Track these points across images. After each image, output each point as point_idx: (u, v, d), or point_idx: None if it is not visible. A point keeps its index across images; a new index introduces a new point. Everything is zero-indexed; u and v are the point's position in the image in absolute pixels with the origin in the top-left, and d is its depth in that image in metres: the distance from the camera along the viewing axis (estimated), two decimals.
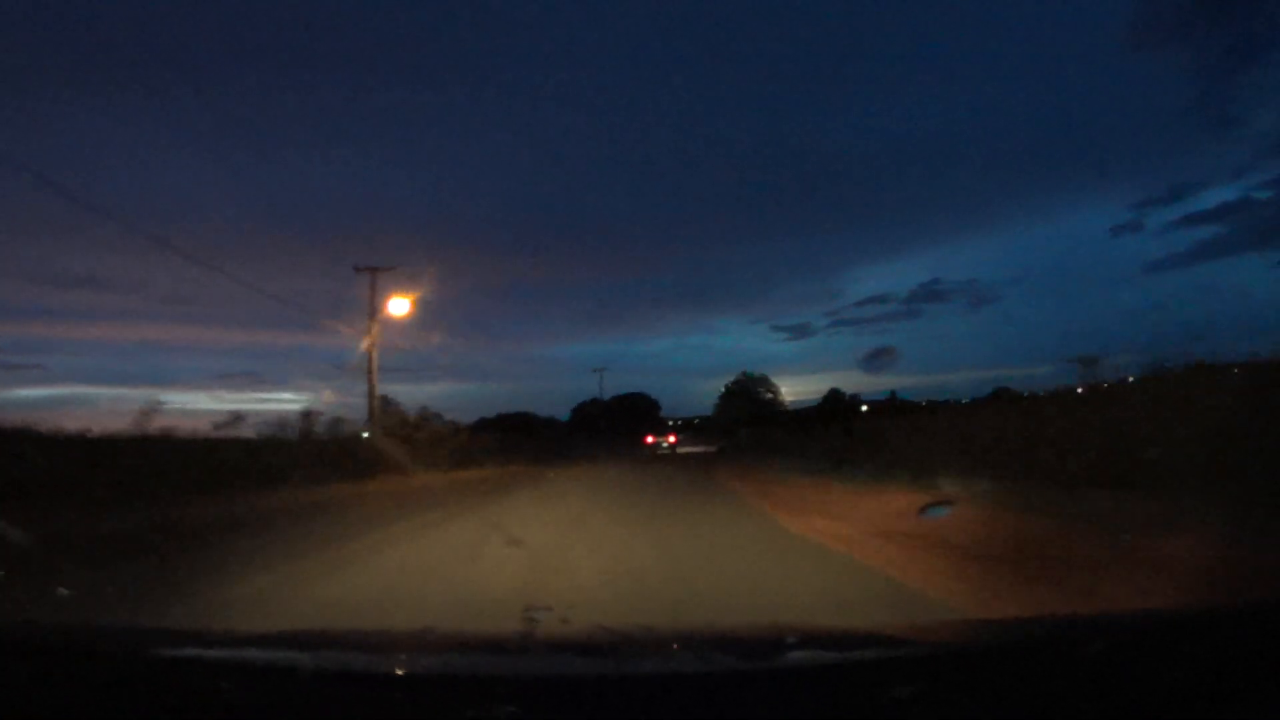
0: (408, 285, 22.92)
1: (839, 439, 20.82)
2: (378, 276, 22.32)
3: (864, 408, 47.77)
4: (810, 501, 11.12)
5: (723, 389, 67.54)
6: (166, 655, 1.51)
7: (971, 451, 10.73)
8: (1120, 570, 4.79)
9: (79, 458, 10.59)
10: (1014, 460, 9.46)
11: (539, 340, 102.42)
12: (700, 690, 1.28)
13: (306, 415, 20.55)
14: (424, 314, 24.87)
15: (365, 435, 22.11)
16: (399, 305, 22.76)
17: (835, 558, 6.40)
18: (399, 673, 1.54)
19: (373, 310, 22.19)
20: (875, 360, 79.74)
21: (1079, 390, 11.68)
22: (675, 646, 1.91)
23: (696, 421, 74.09)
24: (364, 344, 22.10)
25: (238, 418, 17.82)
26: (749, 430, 49.67)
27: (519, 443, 36.04)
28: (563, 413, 67.62)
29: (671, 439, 55.95)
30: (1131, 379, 10.60)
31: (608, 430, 57.27)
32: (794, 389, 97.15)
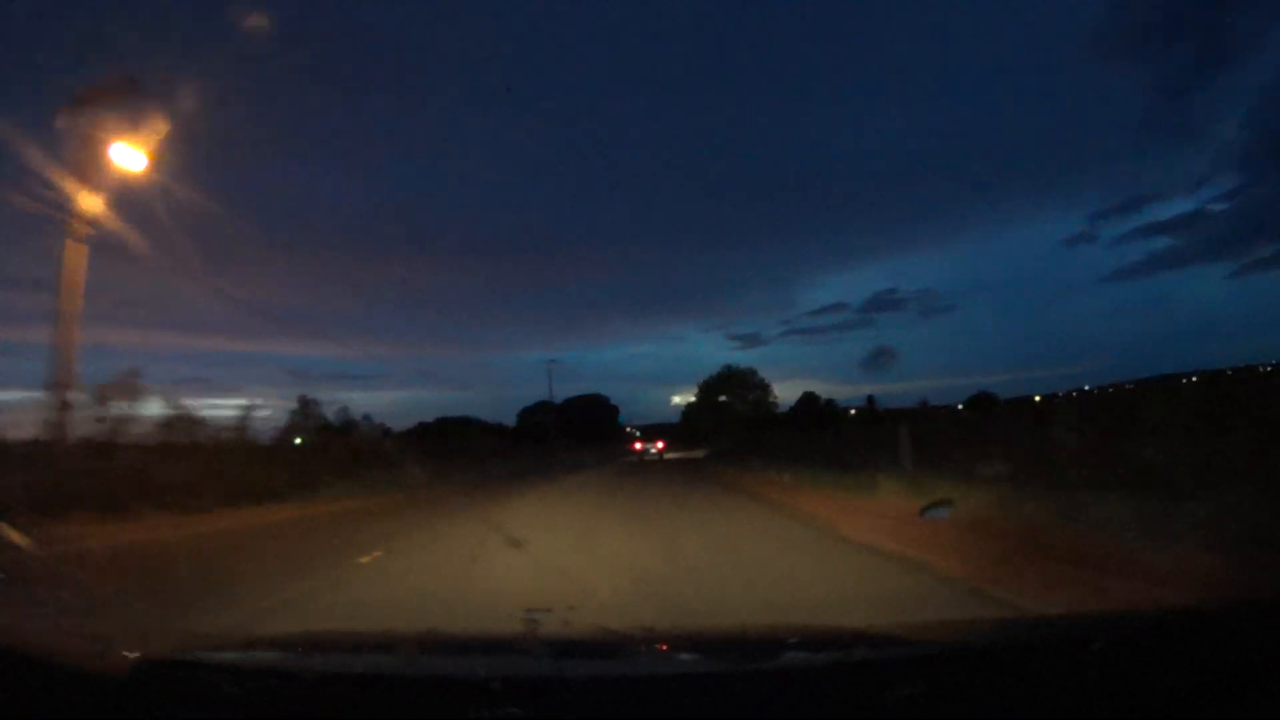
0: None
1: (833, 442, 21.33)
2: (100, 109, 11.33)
3: (852, 412, 51.92)
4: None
5: (699, 386, 61.41)
6: (170, 658, 1.52)
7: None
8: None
9: None
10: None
11: (489, 346, 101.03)
12: (702, 691, 1.30)
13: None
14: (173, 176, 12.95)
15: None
16: (126, 154, 11.84)
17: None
18: (401, 675, 1.56)
19: (79, 169, 11.59)
20: (875, 361, 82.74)
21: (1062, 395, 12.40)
22: (676, 647, 1.95)
23: (661, 428, 73.18)
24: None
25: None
26: (730, 436, 48.69)
27: (455, 454, 30.53)
28: (513, 418, 64.00)
29: (659, 445, 56.64)
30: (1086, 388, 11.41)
31: (562, 437, 55.12)
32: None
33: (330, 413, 27.93)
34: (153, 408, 14.19)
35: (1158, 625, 1.55)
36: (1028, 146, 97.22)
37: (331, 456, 20.14)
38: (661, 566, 6.34)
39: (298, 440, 25.27)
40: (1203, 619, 1.54)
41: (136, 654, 1.44)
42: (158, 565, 7.56)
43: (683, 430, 66.59)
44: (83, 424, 12.60)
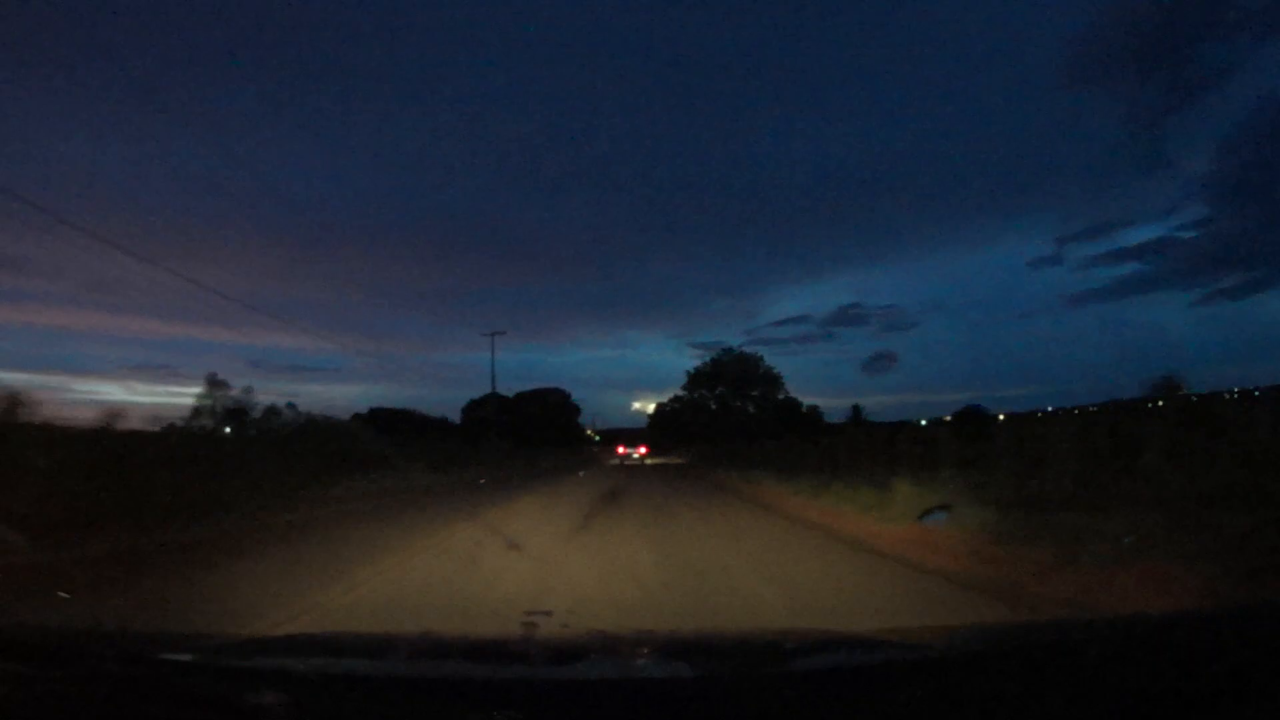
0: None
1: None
2: None
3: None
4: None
5: (690, 374, 53.15)
6: (168, 659, 1.52)
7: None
8: None
9: None
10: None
11: (448, 345, 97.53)
12: (701, 696, 1.30)
13: None
14: None
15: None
16: None
17: None
18: (399, 677, 1.56)
19: None
20: (874, 366, 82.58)
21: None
22: (675, 652, 1.96)
23: (626, 433, 72.70)
24: None
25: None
26: (708, 443, 46.43)
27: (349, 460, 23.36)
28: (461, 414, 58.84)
29: (642, 450, 58.76)
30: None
31: (506, 437, 48.54)
32: None
33: (258, 400, 23.40)
34: None
35: (1156, 630, 1.57)
36: (997, 168, 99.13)
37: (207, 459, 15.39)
38: None
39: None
40: (1201, 623, 1.57)
41: (131, 656, 1.47)
42: None
43: (650, 436, 65.21)
44: None
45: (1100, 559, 5.61)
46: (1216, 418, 9.06)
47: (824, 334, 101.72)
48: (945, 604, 5.33)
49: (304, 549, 8.83)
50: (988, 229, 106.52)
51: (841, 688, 1.30)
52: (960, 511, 7.90)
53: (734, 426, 44.86)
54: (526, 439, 50.51)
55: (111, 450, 12.45)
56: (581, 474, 31.58)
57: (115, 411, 14.41)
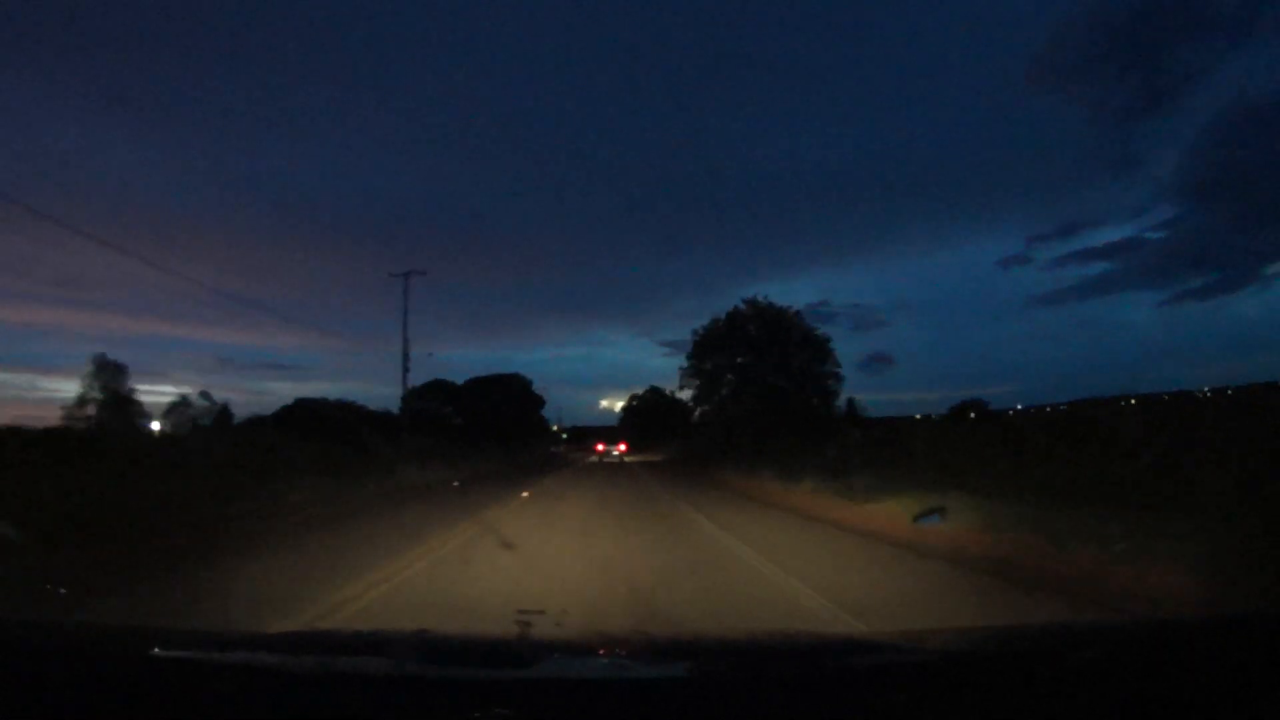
0: None
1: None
2: None
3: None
4: None
5: (695, 340, 34.75)
6: (163, 656, 1.56)
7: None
8: None
9: None
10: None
11: (415, 343, 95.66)
12: (694, 696, 1.33)
13: None
14: None
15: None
16: None
17: None
18: (393, 675, 1.57)
19: None
20: (872, 366, 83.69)
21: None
22: (669, 651, 1.96)
23: (595, 430, 73.37)
24: None
25: None
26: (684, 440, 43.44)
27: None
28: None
29: (621, 447, 57.01)
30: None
31: (464, 433, 42.84)
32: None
33: (167, 389, 20.11)
34: None
35: (1152, 633, 1.61)
36: (967, 168, 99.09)
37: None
38: None
39: None
40: (1196, 628, 1.60)
41: (128, 653, 1.50)
42: None
43: (622, 433, 63.90)
44: None
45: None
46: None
47: None
48: None
49: None
50: (957, 228, 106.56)
51: (838, 689, 1.33)
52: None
53: (769, 416, 29.57)
54: (479, 435, 43.46)
55: None
56: (526, 494, 18.06)
57: None
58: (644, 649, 1.93)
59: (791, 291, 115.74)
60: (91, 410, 23.84)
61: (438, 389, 48.18)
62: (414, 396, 46.29)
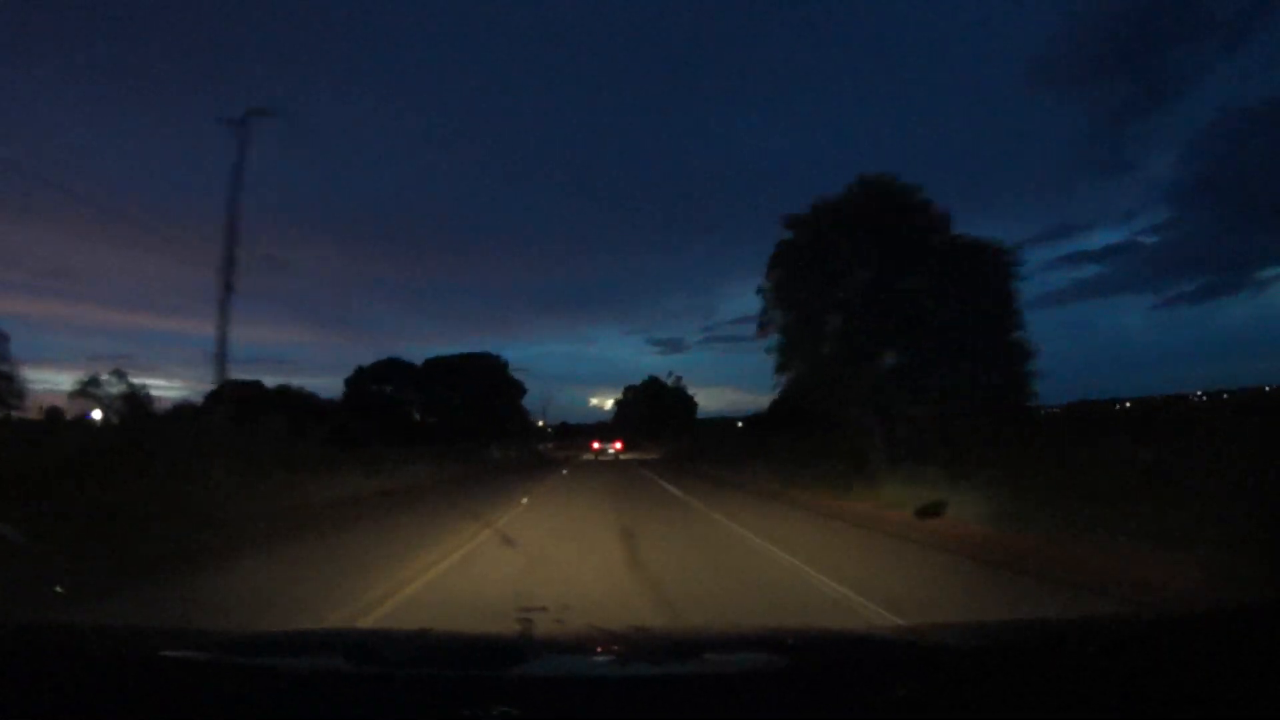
0: None
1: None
2: None
3: None
4: None
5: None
6: (165, 656, 1.59)
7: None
8: None
9: None
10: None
11: (403, 337, 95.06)
12: (696, 692, 1.33)
13: None
14: None
15: None
16: None
17: None
18: (395, 674, 1.57)
19: None
20: None
21: None
22: (671, 648, 1.99)
23: (589, 428, 74.89)
24: None
25: None
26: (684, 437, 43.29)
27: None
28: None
29: (617, 445, 58.55)
30: None
31: (421, 424, 38.00)
32: None
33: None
34: None
35: (1154, 628, 1.63)
36: (959, 169, 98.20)
37: None
38: None
39: None
40: (1199, 622, 1.63)
41: (129, 652, 1.53)
42: None
43: (616, 429, 64.29)
44: None
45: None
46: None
47: None
48: None
49: None
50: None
51: (839, 684, 1.33)
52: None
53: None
54: (437, 425, 37.05)
55: None
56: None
57: None
58: (644, 646, 1.93)
59: None
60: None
61: (393, 369, 40.23)
62: (361, 377, 38.94)
